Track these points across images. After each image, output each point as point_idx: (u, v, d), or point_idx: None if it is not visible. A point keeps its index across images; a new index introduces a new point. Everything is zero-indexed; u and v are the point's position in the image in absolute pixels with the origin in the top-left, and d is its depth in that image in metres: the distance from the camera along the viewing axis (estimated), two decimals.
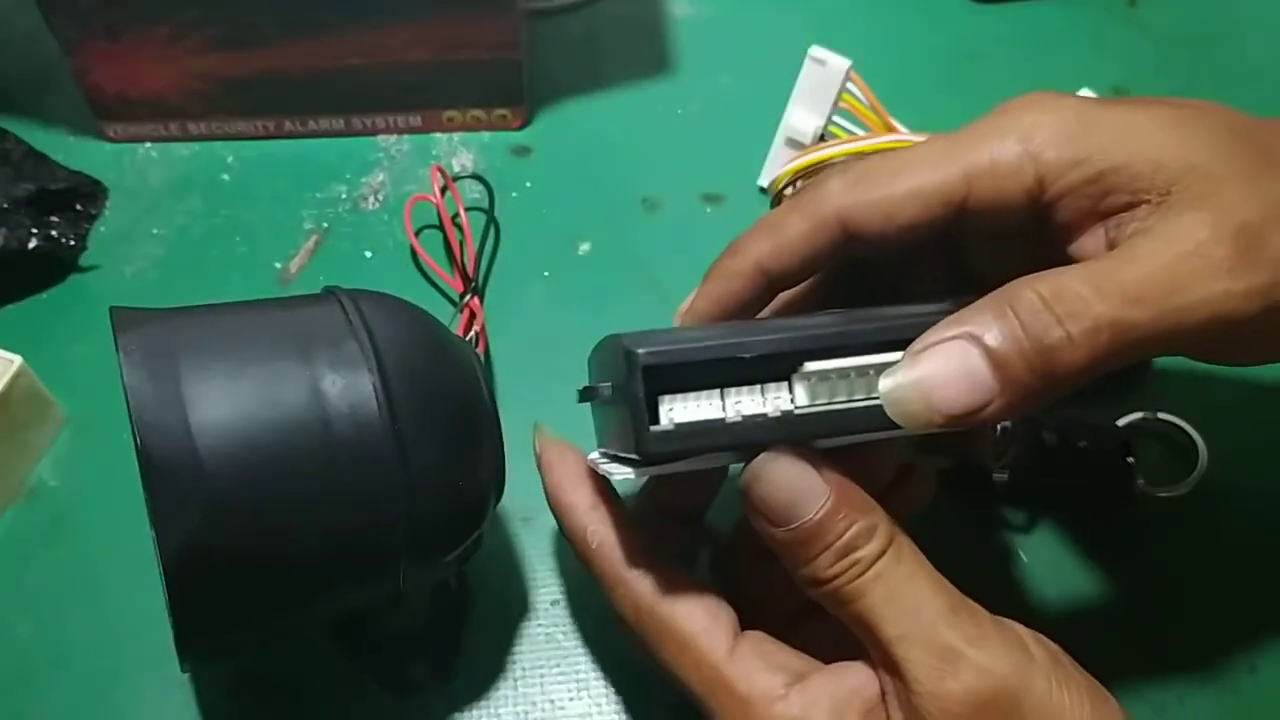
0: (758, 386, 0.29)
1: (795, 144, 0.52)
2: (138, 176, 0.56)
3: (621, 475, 0.32)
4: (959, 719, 0.27)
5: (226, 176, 0.56)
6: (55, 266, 0.52)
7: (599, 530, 0.34)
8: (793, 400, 0.29)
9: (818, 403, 0.29)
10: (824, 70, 0.49)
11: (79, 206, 0.53)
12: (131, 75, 0.54)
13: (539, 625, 0.42)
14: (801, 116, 0.51)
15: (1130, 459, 0.44)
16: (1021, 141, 0.31)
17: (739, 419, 0.29)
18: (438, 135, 0.58)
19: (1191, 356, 0.31)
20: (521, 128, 0.58)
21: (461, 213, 0.51)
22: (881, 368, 0.29)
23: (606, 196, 0.55)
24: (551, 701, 0.40)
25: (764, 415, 0.29)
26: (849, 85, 0.50)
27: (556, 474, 0.36)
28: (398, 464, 0.33)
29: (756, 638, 0.31)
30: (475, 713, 0.40)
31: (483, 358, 0.48)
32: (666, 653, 0.32)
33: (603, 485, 0.35)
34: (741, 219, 0.53)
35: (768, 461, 0.29)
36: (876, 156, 0.34)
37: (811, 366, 0.29)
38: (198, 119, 0.56)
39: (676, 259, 0.52)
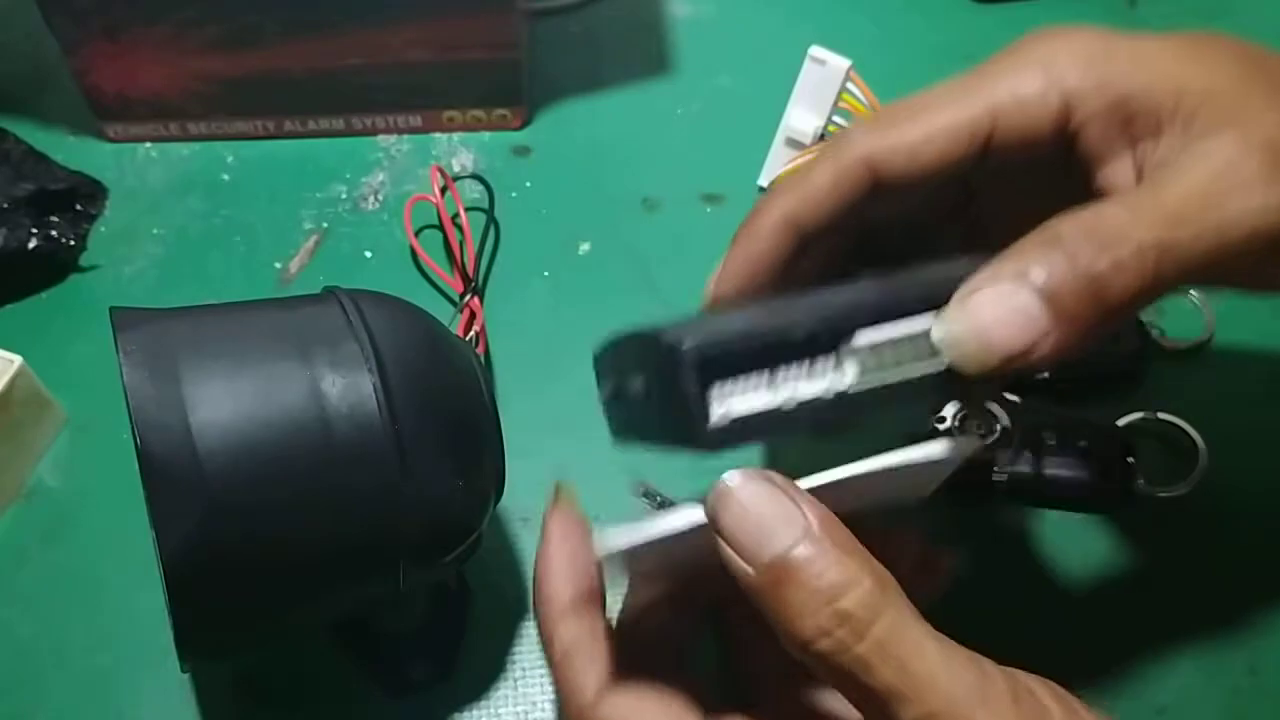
0: (805, 364, 0.27)
1: (795, 144, 0.52)
2: (138, 176, 0.56)
3: (631, 544, 0.29)
4: None
5: (226, 176, 0.56)
6: (55, 266, 0.52)
7: (566, 639, 0.30)
8: (845, 378, 0.27)
9: (869, 378, 0.27)
10: (824, 70, 0.50)
11: (79, 206, 0.53)
12: (131, 75, 0.54)
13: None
14: (801, 116, 0.51)
15: (1130, 459, 0.44)
16: (1044, 70, 0.31)
17: (794, 406, 0.27)
18: (438, 135, 0.58)
19: (1236, 285, 0.31)
20: (521, 128, 0.58)
21: (461, 213, 0.51)
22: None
23: (606, 196, 0.55)
24: (551, 701, 0.40)
25: (819, 398, 0.27)
26: (849, 85, 0.50)
27: (548, 554, 0.32)
28: (397, 464, 0.33)
29: None
30: (475, 713, 0.40)
31: (482, 358, 0.48)
32: None
33: (594, 584, 0.32)
34: (741, 219, 0.53)
35: (737, 483, 0.26)
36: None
37: (863, 339, 0.27)
38: (198, 119, 0.56)
39: (676, 259, 0.52)
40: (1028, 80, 0.31)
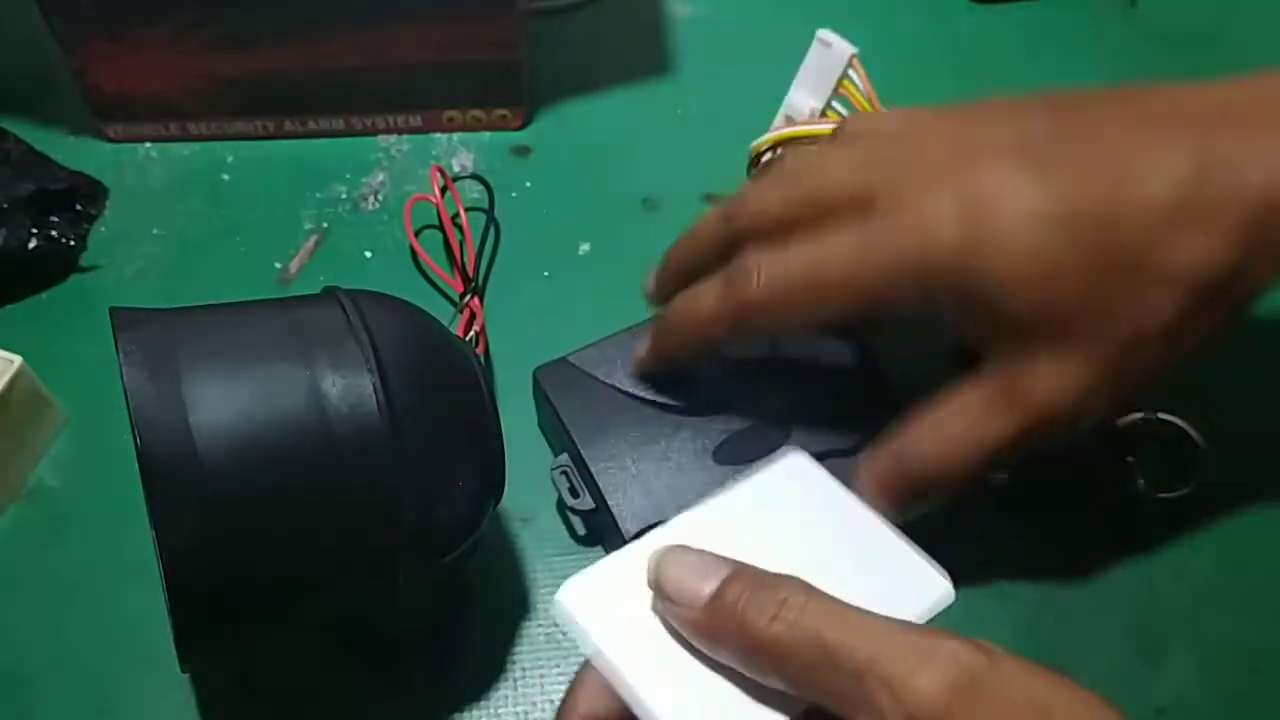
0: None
1: (793, 123, 0.52)
2: (138, 176, 0.56)
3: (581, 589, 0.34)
4: (942, 712, 0.26)
5: (226, 176, 0.56)
6: (55, 266, 0.52)
7: None
8: None
9: None
10: (829, 53, 0.50)
11: (79, 206, 0.53)
12: (131, 75, 0.54)
13: (539, 625, 0.42)
14: (801, 97, 0.51)
15: (1130, 459, 0.44)
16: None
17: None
18: (437, 135, 0.58)
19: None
20: (521, 128, 0.58)
21: (461, 213, 0.51)
22: None
23: (606, 196, 0.55)
24: (551, 701, 0.40)
25: None
26: (850, 73, 0.50)
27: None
28: (397, 464, 0.33)
29: None
30: (475, 713, 0.40)
31: (482, 358, 0.48)
32: None
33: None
34: None
35: (668, 553, 0.31)
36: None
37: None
38: (198, 119, 0.56)
39: None
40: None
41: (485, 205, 0.53)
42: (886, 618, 0.28)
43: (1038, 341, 0.36)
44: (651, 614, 0.35)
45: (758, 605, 0.29)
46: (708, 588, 0.30)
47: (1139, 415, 0.46)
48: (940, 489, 0.38)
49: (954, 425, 0.38)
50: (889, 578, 0.34)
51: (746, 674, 0.29)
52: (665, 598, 0.30)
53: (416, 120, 0.57)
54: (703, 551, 0.31)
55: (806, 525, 0.35)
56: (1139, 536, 0.44)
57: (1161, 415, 0.46)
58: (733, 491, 0.36)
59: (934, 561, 0.34)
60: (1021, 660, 0.27)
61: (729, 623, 0.29)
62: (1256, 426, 0.47)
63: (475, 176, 0.55)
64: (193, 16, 0.52)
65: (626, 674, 0.33)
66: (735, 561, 0.30)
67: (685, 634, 0.30)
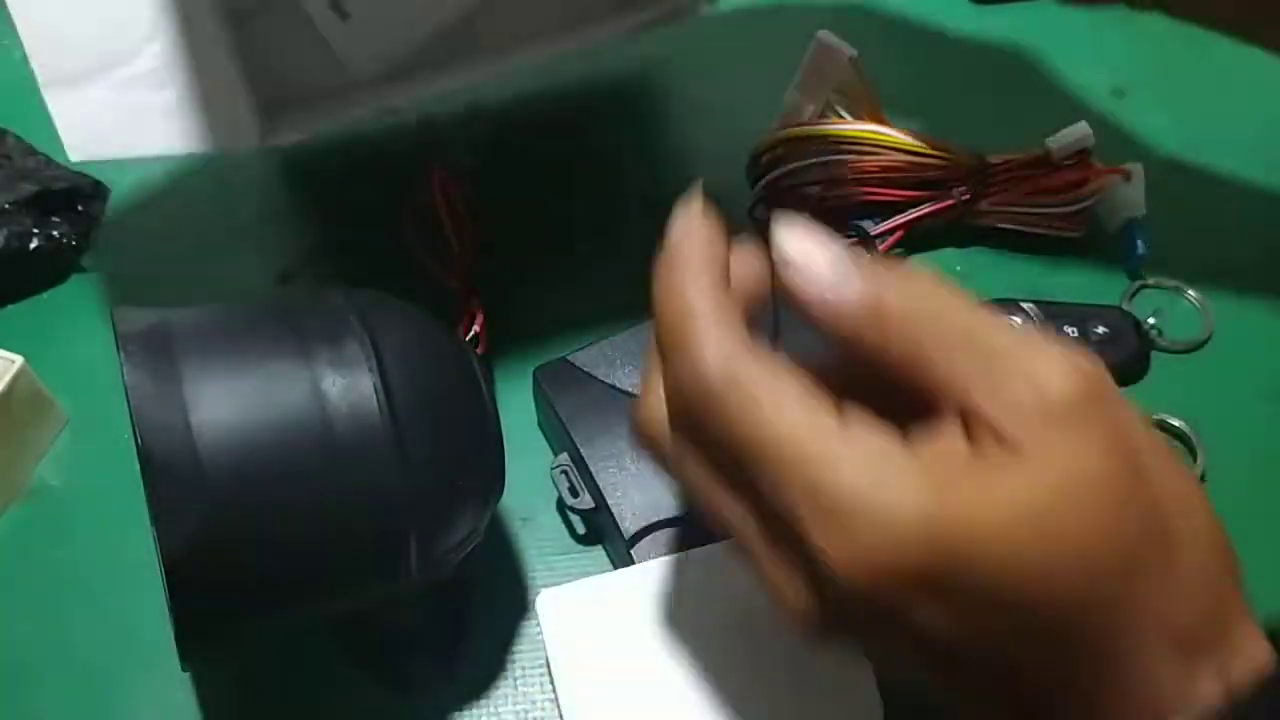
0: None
1: (793, 124, 0.52)
2: (139, 177, 0.56)
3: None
4: (1075, 404, 0.26)
5: (227, 177, 0.56)
6: (57, 266, 0.52)
7: (698, 296, 0.29)
8: None
9: None
10: (828, 55, 0.50)
11: (80, 207, 0.53)
12: None
13: (539, 625, 0.42)
14: (800, 97, 0.51)
15: None
16: None
17: None
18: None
19: None
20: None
21: (461, 212, 0.51)
22: None
23: (606, 196, 0.55)
24: (551, 701, 0.40)
25: None
26: (849, 74, 0.50)
27: (689, 223, 0.31)
28: (397, 463, 0.33)
29: (860, 408, 0.27)
30: (475, 712, 0.40)
31: (481, 358, 0.48)
32: (760, 428, 0.27)
33: (726, 271, 0.30)
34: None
35: (790, 232, 0.29)
36: None
37: None
38: None
39: None
40: None
41: (482, 204, 0.53)
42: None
43: None
44: (609, 643, 0.37)
45: (892, 281, 0.28)
46: (832, 267, 0.28)
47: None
48: None
49: None
50: (829, 681, 0.36)
51: (855, 352, 0.28)
52: (793, 266, 0.29)
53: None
54: (825, 233, 0.29)
55: None
56: None
57: (1160, 416, 0.46)
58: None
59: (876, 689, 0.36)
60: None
61: (860, 294, 0.28)
62: (1255, 427, 0.47)
63: (474, 174, 0.55)
64: None
65: (563, 696, 0.36)
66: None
67: (806, 306, 0.28)
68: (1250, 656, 0.27)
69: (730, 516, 0.29)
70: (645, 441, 0.31)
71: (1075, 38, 0.62)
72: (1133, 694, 0.26)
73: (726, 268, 0.30)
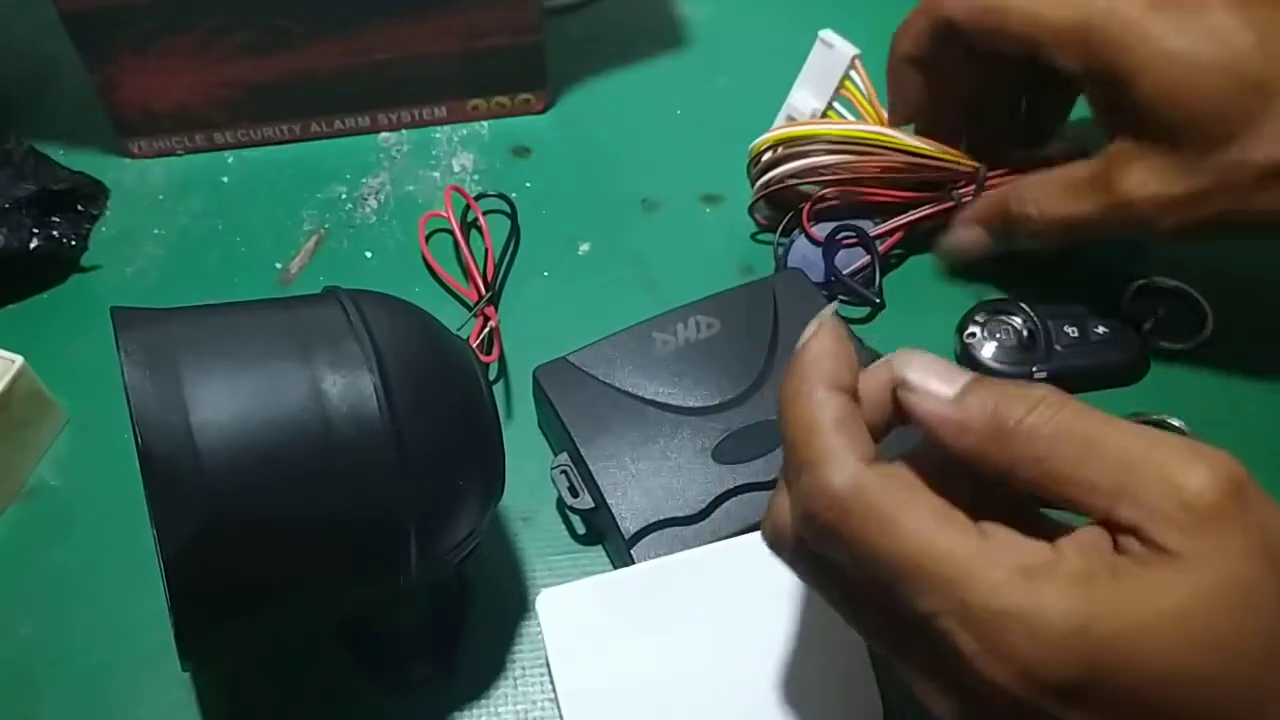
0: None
1: (794, 123, 0.52)
2: (139, 177, 0.56)
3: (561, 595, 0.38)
4: (1221, 506, 0.26)
5: (226, 178, 0.56)
6: (57, 266, 0.52)
7: (830, 408, 0.29)
8: None
9: None
10: (831, 54, 0.50)
11: (80, 207, 0.53)
12: (157, 89, 0.54)
13: (539, 624, 0.42)
14: (803, 97, 0.52)
15: None
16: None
17: None
18: (437, 136, 0.58)
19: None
20: (545, 110, 0.58)
21: (482, 221, 0.51)
22: None
23: (606, 197, 0.55)
24: (551, 700, 0.40)
25: None
26: (852, 74, 0.50)
27: (821, 336, 0.30)
28: (398, 464, 0.33)
29: (996, 525, 0.28)
30: (475, 712, 0.40)
31: (497, 365, 0.47)
32: (893, 542, 0.27)
33: (855, 376, 0.30)
34: (741, 219, 0.54)
35: (908, 357, 0.29)
36: None
37: None
38: (223, 128, 0.56)
39: (676, 259, 0.52)
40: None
41: (473, 216, 0.53)
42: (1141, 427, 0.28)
43: (1149, 143, 0.42)
44: (608, 643, 0.37)
45: (1010, 399, 0.28)
46: (952, 387, 0.29)
47: (1138, 415, 0.46)
48: (1027, 236, 0.47)
49: (1055, 190, 0.45)
50: (828, 682, 0.36)
51: (982, 471, 0.28)
52: (910, 393, 0.29)
53: (442, 112, 0.57)
54: (943, 360, 0.29)
55: (789, 597, 0.37)
56: None
57: (1160, 416, 0.46)
58: (738, 540, 0.37)
59: (877, 691, 0.36)
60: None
61: (980, 413, 0.28)
62: (1255, 428, 0.47)
63: (499, 195, 0.54)
64: (220, 24, 0.52)
65: (563, 695, 0.36)
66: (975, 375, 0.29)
67: (926, 427, 0.29)
68: None
69: (865, 624, 0.30)
70: (775, 549, 0.31)
71: None
72: None
73: (854, 380, 0.30)
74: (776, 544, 0.31)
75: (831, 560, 0.29)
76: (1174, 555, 0.26)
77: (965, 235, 0.49)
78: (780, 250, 0.51)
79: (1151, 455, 0.27)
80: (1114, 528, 0.27)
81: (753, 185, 0.52)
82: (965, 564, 0.26)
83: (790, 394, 0.30)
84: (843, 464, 0.28)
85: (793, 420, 0.30)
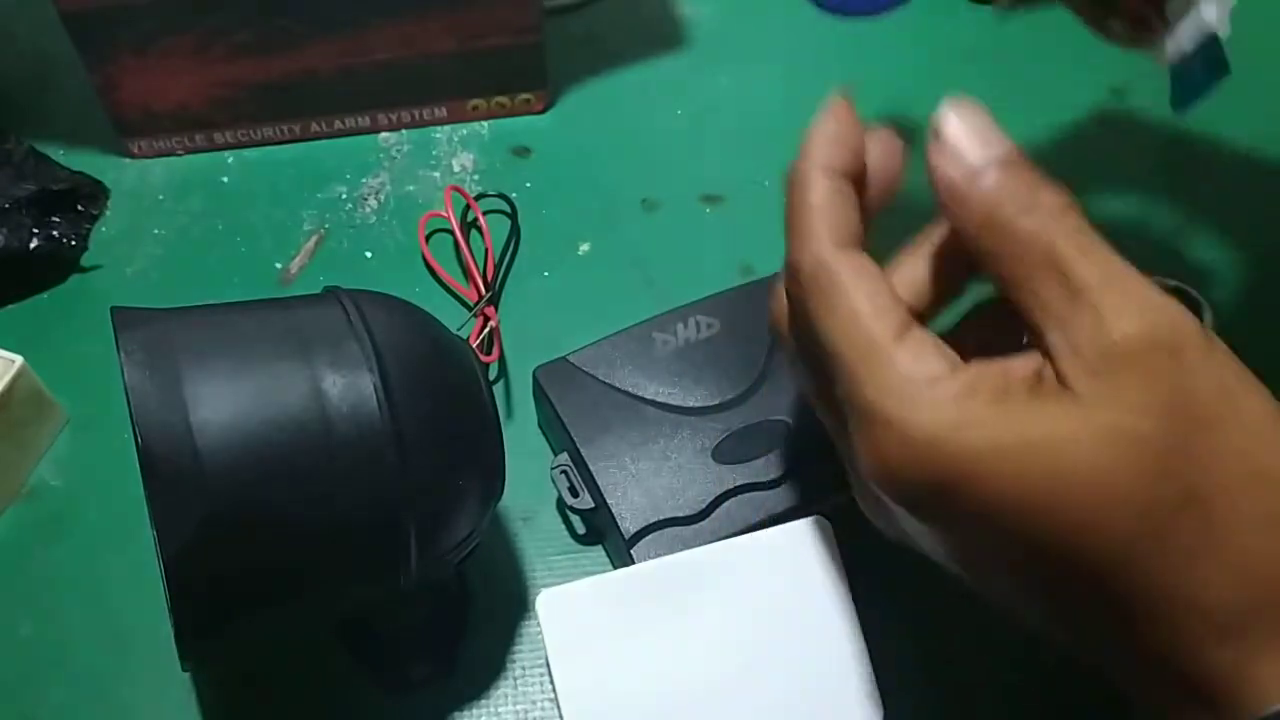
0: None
1: None
2: (139, 177, 0.56)
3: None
4: (1139, 355, 0.26)
5: (226, 178, 0.56)
6: (57, 266, 0.52)
7: (824, 187, 0.31)
8: None
9: None
10: None
11: (80, 207, 0.53)
12: (157, 89, 0.54)
13: (539, 624, 0.42)
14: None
15: None
16: None
17: None
18: (437, 136, 0.58)
19: None
20: (545, 110, 0.58)
21: (483, 223, 0.51)
22: None
23: (606, 197, 0.55)
24: (551, 700, 0.40)
25: None
26: None
27: (830, 116, 0.32)
28: (398, 463, 0.33)
29: (925, 331, 0.29)
30: (475, 712, 0.40)
31: (498, 364, 0.47)
32: (831, 321, 0.29)
33: (860, 167, 0.32)
34: (741, 219, 0.54)
35: (958, 105, 0.30)
36: None
37: None
38: (223, 128, 0.56)
39: (676, 259, 0.52)
40: None
41: (472, 217, 0.53)
42: (1127, 263, 0.28)
43: None
44: (608, 643, 0.37)
45: (1016, 192, 0.28)
46: (982, 154, 0.29)
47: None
48: None
49: None
50: (828, 683, 0.36)
51: (966, 247, 0.29)
52: (940, 143, 0.30)
53: (442, 112, 0.57)
54: (992, 124, 0.30)
55: (789, 597, 0.37)
56: None
57: None
58: (738, 540, 0.38)
59: (876, 692, 0.36)
60: (1242, 368, 0.27)
61: (984, 195, 0.28)
62: None
63: (499, 195, 0.54)
64: (220, 24, 0.52)
65: (563, 695, 0.36)
66: (1016, 149, 0.29)
67: (938, 188, 0.30)
68: None
69: (818, 406, 0.32)
70: (775, 330, 0.34)
71: (1075, 38, 0.62)
72: (1172, 668, 0.26)
73: (853, 161, 0.32)
74: (775, 324, 0.34)
75: (800, 339, 0.32)
76: (1072, 393, 0.26)
77: None
78: None
79: (1102, 291, 0.26)
80: (1046, 353, 0.27)
81: None
82: (873, 359, 0.28)
83: (789, 174, 0.32)
84: (811, 243, 0.30)
85: (787, 201, 0.31)
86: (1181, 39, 0.38)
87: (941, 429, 0.27)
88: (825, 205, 0.30)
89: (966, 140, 0.29)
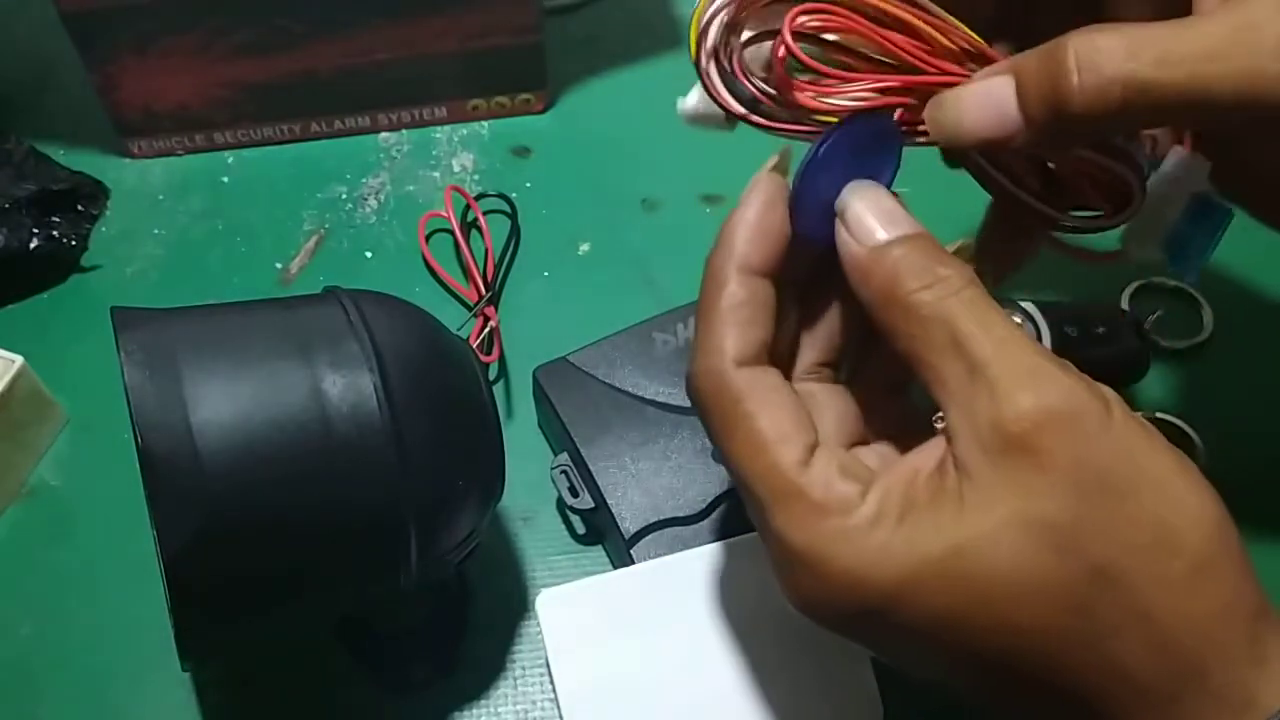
0: None
1: None
2: (139, 177, 0.56)
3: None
4: (1033, 434, 0.25)
5: (226, 178, 0.56)
6: (57, 266, 0.52)
7: (737, 293, 0.30)
8: None
9: None
10: None
11: (80, 207, 0.53)
12: (158, 88, 0.54)
13: (539, 624, 0.42)
14: None
15: None
16: None
17: None
18: (437, 136, 0.58)
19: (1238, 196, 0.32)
20: (545, 110, 0.58)
21: (483, 223, 0.51)
22: None
23: (606, 197, 0.55)
24: (551, 700, 0.40)
25: None
26: None
27: (746, 208, 0.31)
28: (397, 463, 0.33)
29: (832, 451, 0.29)
30: (475, 711, 0.40)
31: (497, 365, 0.47)
32: (733, 446, 0.29)
33: (779, 260, 0.31)
34: None
35: (864, 187, 0.30)
36: None
37: None
38: (223, 128, 0.56)
39: (676, 259, 0.52)
40: None
41: (473, 217, 0.53)
42: (1027, 336, 0.28)
43: None
44: (608, 643, 0.37)
45: (917, 268, 0.28)
46: (883, 234, 0.29)
47: (1141, 414, 0.46)
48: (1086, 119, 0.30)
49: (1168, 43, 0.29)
50: (828, 683, 0.36)
51: (872, 325, 0.29)
52: (843, 223, 0.30)
53: (442, 112, 0.57)
54: (897, 202, 0.30)
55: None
56: None
57: (1161, 415, 0.46)
58: (739, 540, 0.38)
59: (876, 692, 0.36)
60: (1144, 427, 0.27)
61: (885, 270, 0.29)
62: (1254, 428, 0.47)
63: (499, 195, 0.54)
64: (220, 24, 0.52)
65: (562, 695, 0.36)
66: (919, 226, 0.30)
67: (844, 265, 0.30)
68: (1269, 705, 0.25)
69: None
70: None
71: None
72: None
73: (770, 256, 0.30)
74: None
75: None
76: (973, 483, 0.26)
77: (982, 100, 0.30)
78: None
79: (998, 367, 0.26)
80: (947, 437, 0.27)
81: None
82: (780, 492, 0.28)
83: (707, 265, 0.31)
84: (712, 358, 0.29)
85: (700, 296, 0.31)
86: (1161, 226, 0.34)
87: (856, 566, 0.27)
88: (732, 312, 0.30)
89: (870, 218, 0.30)
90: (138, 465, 0.31)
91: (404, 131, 0.58)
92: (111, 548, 0.44)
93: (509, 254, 0.53)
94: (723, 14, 0.30)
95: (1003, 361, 0.26)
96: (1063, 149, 0.32)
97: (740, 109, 0.32)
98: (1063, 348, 0.47)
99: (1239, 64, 0.27)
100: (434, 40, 0.54)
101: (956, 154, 0.33)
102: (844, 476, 0.28)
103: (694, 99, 0.35)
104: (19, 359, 0.44)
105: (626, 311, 0.46)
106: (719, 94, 0.32)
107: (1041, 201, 0.34)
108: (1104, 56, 0.28)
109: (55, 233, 0.51)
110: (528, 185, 0.56)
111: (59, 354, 0.48)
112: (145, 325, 0.34)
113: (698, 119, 0.36)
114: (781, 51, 0.29)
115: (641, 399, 0.44)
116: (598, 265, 0.53)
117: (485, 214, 0.52)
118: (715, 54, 0.31)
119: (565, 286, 0.52)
